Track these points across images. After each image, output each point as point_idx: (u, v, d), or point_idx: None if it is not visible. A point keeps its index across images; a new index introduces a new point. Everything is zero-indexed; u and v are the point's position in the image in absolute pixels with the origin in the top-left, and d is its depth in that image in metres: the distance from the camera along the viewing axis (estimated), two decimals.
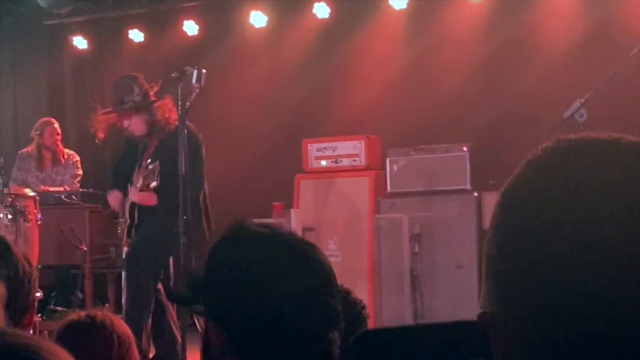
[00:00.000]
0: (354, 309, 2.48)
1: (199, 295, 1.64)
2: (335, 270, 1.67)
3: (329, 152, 7.89)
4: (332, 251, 7.39)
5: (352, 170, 7.78)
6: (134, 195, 5.93)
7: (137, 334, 5.46)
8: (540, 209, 0.85)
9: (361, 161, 7.76)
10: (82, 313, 2.53)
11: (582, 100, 5.51)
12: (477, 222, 7.19)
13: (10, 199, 6.54)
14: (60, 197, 7.60)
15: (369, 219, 7.53)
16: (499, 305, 0.88)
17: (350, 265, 7.27)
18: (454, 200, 7.31)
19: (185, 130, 5.66)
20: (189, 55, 8.40)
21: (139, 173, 5.92)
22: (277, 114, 8.66)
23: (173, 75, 5.76)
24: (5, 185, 6.71)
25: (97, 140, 6.29)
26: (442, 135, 7.69)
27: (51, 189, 7.79)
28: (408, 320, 7.05)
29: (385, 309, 7.14)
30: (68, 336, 2.43)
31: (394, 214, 7.41)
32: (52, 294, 7.50)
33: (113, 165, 7.65)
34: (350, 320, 1.76)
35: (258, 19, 8.72)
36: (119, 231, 6.28)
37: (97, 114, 6.20)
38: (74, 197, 7.66)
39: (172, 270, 6.07)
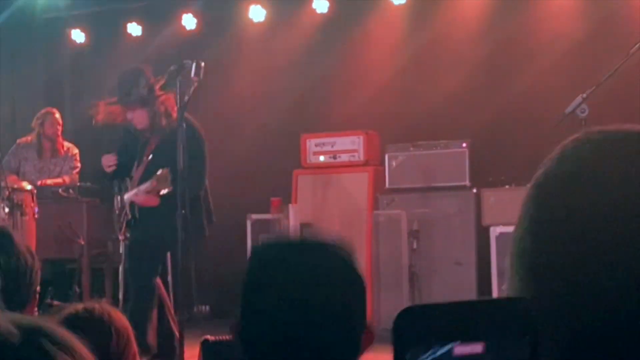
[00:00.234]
0: None
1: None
2: None
3: (327, 148, 7.86)
4: None
5: (350, 165, 7.75)
6: (138, 197, 5.90)
7: (142, 329, 5.44)
8: (580, 202, 0.86)
9: (360, 157, 7.73)
10: (80, 306, 2.49)
11: (584, 96, 5.50)
12: (476, 218, 7.17)
13: (7, 193, 6.51)
14: (57, 191, 7.56)
15: (368, 215, 7.51)
16: (532, 295, 0.88)
17: None
18: (453, 196, 7.29)
19: (184, 124, 5.62)
20: (187, 49, 8.35)
21: (139, 169, 5.88)
22: (275, 108, 8.63)
23: (172, 68, 5.73)
24: None
25: (93, 123, 6.20)
26: (442, 131, 7.66)
27: (49, 180, 7.75)
28: None
29: (384, 305, 7.12)
30: (65, 329, 2.39)
31: (392, 210, 7.39)
32: (49, 288, 7.46)
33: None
34: None
35: (257, 13, 8.69)
36: (116, 223, 6.23)
37: (101, 102, 6.14)
38: (71, 191, 7.62)
39: (169, 265, 6.07)
